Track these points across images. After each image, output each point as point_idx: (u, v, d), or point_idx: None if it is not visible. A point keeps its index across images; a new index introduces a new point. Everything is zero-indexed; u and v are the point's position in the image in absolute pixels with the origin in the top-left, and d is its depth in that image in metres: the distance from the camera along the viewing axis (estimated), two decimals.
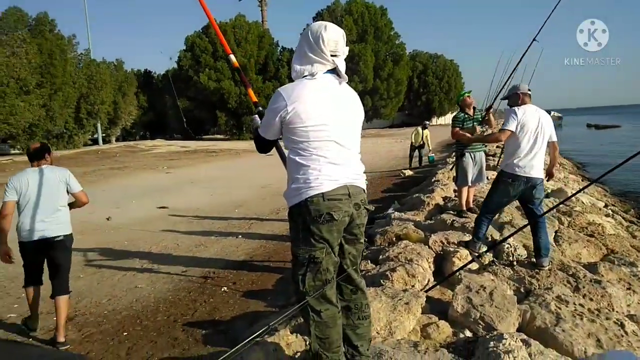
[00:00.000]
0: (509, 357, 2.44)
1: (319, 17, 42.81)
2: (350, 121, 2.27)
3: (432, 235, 4.93)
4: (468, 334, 3.04)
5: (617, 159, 3.59)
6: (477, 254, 4.34)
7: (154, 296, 4.61)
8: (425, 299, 3.35)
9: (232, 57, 3.09)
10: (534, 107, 4.20)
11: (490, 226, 5.19)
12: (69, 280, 3.86)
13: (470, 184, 6.00)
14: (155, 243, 6.58)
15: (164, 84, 36.80)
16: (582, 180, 12.73)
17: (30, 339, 3.80)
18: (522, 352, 2.49)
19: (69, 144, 26.40)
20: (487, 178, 6.49)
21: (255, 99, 2.90)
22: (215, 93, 33.15)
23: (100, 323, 4.05)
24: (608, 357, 2.60)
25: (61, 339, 3.59)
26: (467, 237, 4.67)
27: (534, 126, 4.06)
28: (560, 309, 3.12)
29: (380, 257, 4.47)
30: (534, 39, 5.54)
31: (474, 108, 6.07)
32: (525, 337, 2.71)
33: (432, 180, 9.67)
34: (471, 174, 5.92)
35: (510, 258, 4.36)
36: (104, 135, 31.30)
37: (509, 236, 4.29)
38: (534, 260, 4.11)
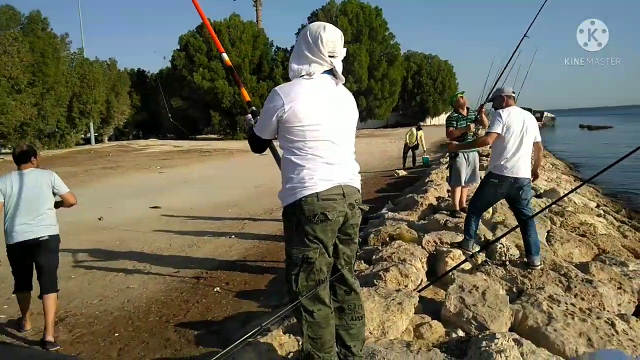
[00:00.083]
0: (501, 357, 2.44)
1: (313, 17, 42.82)
2: (346, 121, 2.27)
3: (426, 235, 4.94)
4: (461, 333, 3.05)
5: (609, 160, 3.61)
6: (470, 254, 4.35)
7: (146, 297, 4.58)
8: (418, 299, 3.35)
9: (225, 55, 3.08)
10: (518, 109, 4.29)
11: (483, 226, 5.23)
12: (57, 279, 3.87)
13: (463, 184, 6.02)
14: (148, 243, 6.54)
15: (157, 84, 36.68)
16: (574, 181, 12.80)
17: (20, 340, 3.76)
18: (514, 352, 2.50)
19: (61, 143, 26.22)
20: (481, 178, 6.51)
21: (248, 98, 2.88)
22: (209, 92, 33.06)
23: (91, 324, 4.02)
24: (599, 356, 2.61)
25: (50, 338, 3.57)
26: (460, 237, 4.69)
27: (519, 128, 4.13)
28: (552, 308, 3.13)
29: (374, 257, 4.47)
30: (524, 35, 5.57)
31: (468, 109, 6.09)
32: (517, 336, 2.72)
33: (426, 180, 9.70)
34: (464, 174, 5.95)
35: (503, 258, 4.38)
36: (96, 134, 31.13)
37: (502, 236, 4.31)
38: (526, 259, 4.13)
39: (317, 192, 2.09)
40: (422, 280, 4.03)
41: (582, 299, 3.49)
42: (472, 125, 5.88)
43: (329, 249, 2.20)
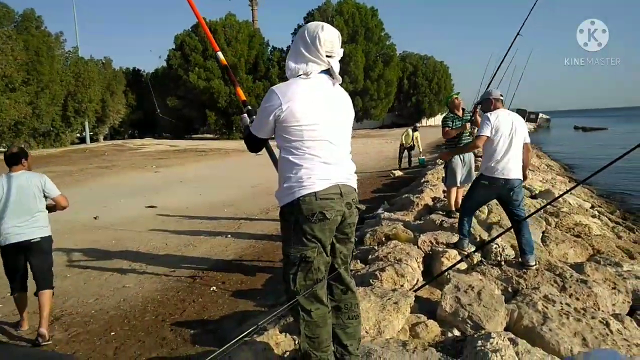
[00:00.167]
0: (496, 356, 2.45)
1: (309, 17, 42.82)
2: (343, 121, 2.28)
3: (421, 235, 4.96)
4: (456, 333, 3.06)
5: (604, 161, 3.64)
6: (465, 254, 4.38)
7: (142, 296, 4.57)
8: (414, 299, 3.36)
9: (220, 54, 3.07)
10: (507, 111, 4.37)
11: (479, 227, 5.26)
12: (52, 277, 3.91)
13: (459, 185, 6.04)
14: (144, 242, 6.53)
15: (147, 81, 36.62)
16: (569, 182, 12.88)
17: (16, 339, 3.75)
18: (510, 351, 2.51)
19: (56, 142, 26.13)
20: None
21: (243, 97, 2.88)
22: (205, 92, 33.00)
23: (87, 323, 4.01)
24: (593, 356, 2.63)
25: (43, 331, 3.59)
26: (456, 238, 4.71)
27: (508, 129, 4.19)
28: (547, 308, 3.15)
29: (370, 256, 4.48)
30: (517, 33, 5.59)
31: (463, 109, 6.11)
32: (512, 336, 2.73)
33: (422, 180, 9.72)
34: (460, 174, 5.97)
35: (499, 258, 4.40)
36: (91, 133, 31.05)
37: (497, 236, 4.33)
38: (521, 260, 4.15)
39: (315, 192, 2.10)
40: (418, 280, 4.05)
41: (577, 299, 3.51)
42: (468, 125, 5.90)
43: (327, 248, 2.20)
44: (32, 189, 3.79)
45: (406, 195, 7.93)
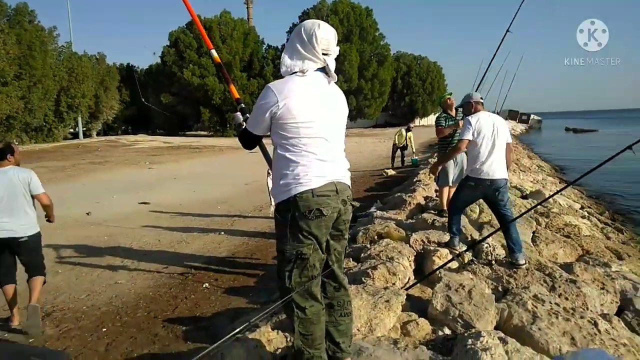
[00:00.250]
0: (486, 355, 2.48)
1: (305, 16, 42.70)
2: (338, 119, 2.30)
3: (413, 234, 4.99)
4: (447, 331, 3.09)
5: (594, 163, 3.68)
6: (457, 253, 4.42)
7: (134, 292, 4.56)
8: (405, 297, 3.39)
9: (214, 52, 3.08)
10: (487, 113, 4.47)
11: (470, 226, 5.30)
12: (43, 267, 3.96)
13: (451, 184, 6.07)
14: (136, 239, 6.51)
15: (134, 77, 36.41)
16: (559, 183, 12.99)
17: (6, 334, 3.74)
18: (499, 350, 2.54)
19: (48, 138, 25.91)
20: None
21: (237, 95, 2.88)
22: (199, 89, 32.85)
23: (78, 319, 4.00)
24: (582, 355, 2.66)
25: (33, 303, 3.66)
26: (447, 237, 4.75)
27: (490, 131, 4.28)
28: (536, 307, 3.18)
29: (362, 255, 4.50)
30: (507, 30, 5.62)
31: (456, 109, 6.15)
32: (502, 335, 2.76)
33: (414, 180, 9.76)
34: (452, 174, 6.01)
35: (489, 257, 4.44)
36: (84, 129, 30.81)
37: (488, 236, 4.37)
38: (510, 259, 4.19)
39: (312, 189, 2.11)
40: (409, 279, 4.07)
41: (566, 298, 3.55)
42: (461, 123, 5.94)
43: (323, 245, 2.21)
44: (19, 185, 3.78)
45: (399, 194, 7.97)
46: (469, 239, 4.96)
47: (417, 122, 51.25)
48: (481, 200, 4.75)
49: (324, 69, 2.24)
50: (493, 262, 4.27)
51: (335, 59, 2.31)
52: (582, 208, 9.17)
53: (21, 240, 3.76)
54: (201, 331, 3.69)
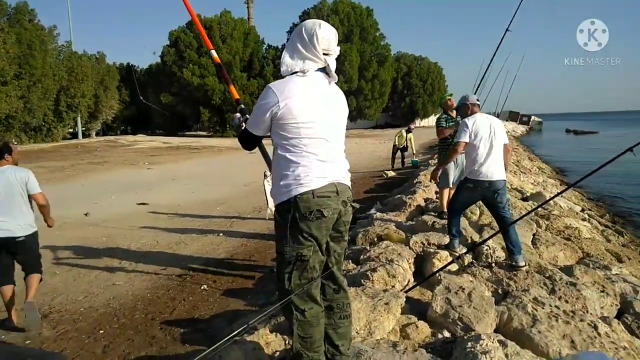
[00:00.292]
0: (486, 358, 2.47)
1: (305, 16, 42.73)
2: (338, 119, 2.29)
3: (413, 236, 4.97)
4: (446, 334, 3.07)
5: (594, 165, 3.67)
6: (457, 255, 4.40)
7: (132, 294, 4.54)
8: (405, 300, 3.37)
9: (213, 52, 3.06)
10: (484, 115, 4.46)
11: (470, 228, 5.28)
12: (40, 265, 3.96)
13: (451, 186, 6.06)
14: (135, 240, 6.49)
15: (132, 76, 36.40)
16: (560, 185, 12.98)
17: (3, 336, 3.71)
18: (499, 353, 2.52)
19: (47, 137, 25.90)
20: None
21: (237, 96, 2.86)
22: (199, 89, 32.86)
23: (75, 320, 3.98)
24: (581, 358, 2.64)
25: (29, 299, 3.66)
26: (447, 239, 4.73)
27: (487, 133, 4.28)
28: (536, 310, 3.17)
29: (362, 257, 4.48)
30: (507, 29, 5.60)
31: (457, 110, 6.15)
32: (502, 337, 2.75)
33: (414, 181, 9.74)
34: (452, 176, 6.00)
35: (489, 260, 4.42)
36: (84, 129, 30.81)
37: (488, 238, 4.35)
38: (510, 261, 4.17)
39: (312, 190, 2.09)
40: (409, 281, 4.05)
41: (566, 301, 3.53)
42: None
43: (323, 246, 2.19)
44: (17, 184, 3.77)
45: (399, 195, 7.95)
46: (469, 241, 4.94)
47: (417, 123, 51.31)
48: (481, 202, 4.73)
49: (324, 69, 2.23)
50: (493, 264, 4.25)
51: (336, 59, 2.29)
52: (582, 210, 9.16)
53: (18, 239, 3.75)
54: (199, 333, 3.67)
